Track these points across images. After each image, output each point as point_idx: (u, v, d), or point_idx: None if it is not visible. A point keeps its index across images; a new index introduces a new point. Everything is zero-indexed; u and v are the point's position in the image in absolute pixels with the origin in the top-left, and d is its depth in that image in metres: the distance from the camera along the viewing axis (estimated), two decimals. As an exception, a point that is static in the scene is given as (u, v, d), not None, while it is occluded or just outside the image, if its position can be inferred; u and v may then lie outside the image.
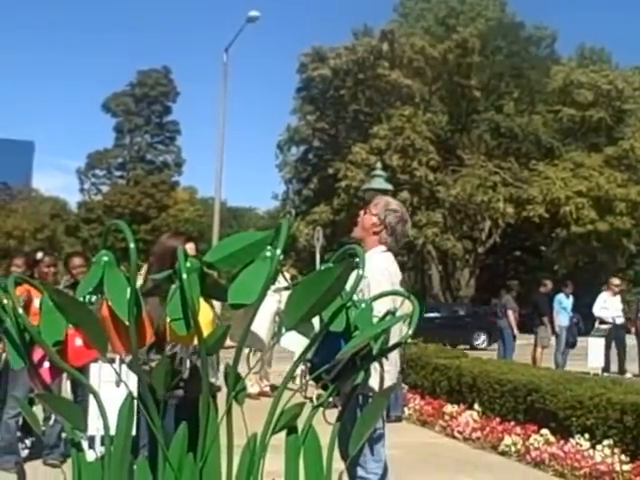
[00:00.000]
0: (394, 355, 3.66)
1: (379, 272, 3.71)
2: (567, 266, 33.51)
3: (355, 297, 2.72)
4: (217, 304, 3.45)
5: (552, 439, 6.65)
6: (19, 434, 6.54)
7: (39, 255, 5.90)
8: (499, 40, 33.53)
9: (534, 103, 33.05)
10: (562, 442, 6.52)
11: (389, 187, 15.24)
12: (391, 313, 2.77)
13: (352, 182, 29.88)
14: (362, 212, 4.06)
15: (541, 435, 6.75)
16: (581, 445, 6.36)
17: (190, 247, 3.50)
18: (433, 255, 33.32)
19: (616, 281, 14.44)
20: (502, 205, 29.96)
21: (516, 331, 14.43)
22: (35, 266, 5.79)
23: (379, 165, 16.88)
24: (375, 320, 2.66)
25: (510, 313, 14.43)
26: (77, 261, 6.46)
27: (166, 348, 3.17)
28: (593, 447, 6.29)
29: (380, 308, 2.80)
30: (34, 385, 2.38)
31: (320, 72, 33.19)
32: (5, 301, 2.28)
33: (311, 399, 2.57)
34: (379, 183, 14.74)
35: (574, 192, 29.60)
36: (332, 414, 2.66)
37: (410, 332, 2.73)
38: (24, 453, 6.18)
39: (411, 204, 30.91)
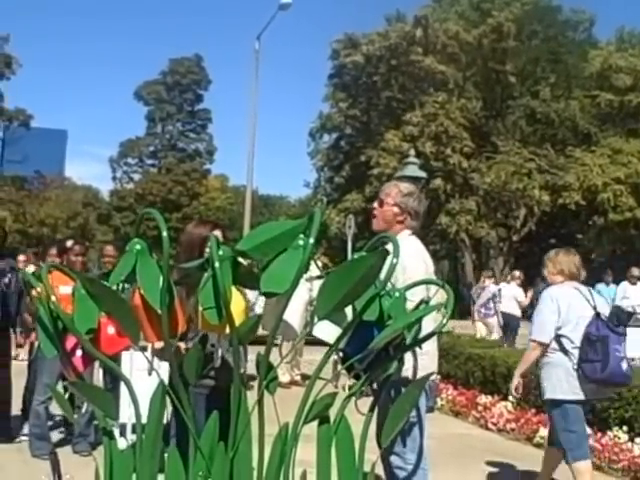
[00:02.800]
0: (431, 345, 3.62)
1: (413, 256, 3.67)
2: (604, 254, 33.01)
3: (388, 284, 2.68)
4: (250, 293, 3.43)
5: (589, 431, 6.55)
6: (57, 419, 6.64)
7: (69, 243, 5.95)
8: (535, 24, 32.97)
9: (571, 88, 32.48)
10: (600, 435, 6.42)
11: (422, 174, 15.10)
12: (425, 302, 2.72)
13: (384, 169, 29.69)
14: (376, 204, 3.97)
15: (577, 427, 6.64)
16: (619, 438, 6.26)
17: (217, 235, 3.47)
18: (467, 243, 33.06)
19: (635, 271, 14.21)
20: (537, 192, 29.55)
21: None
22: (65, 254, 5.84)
23: (412, 152, 16.76)
24: (409, 307, 2.62)
25: None
26: (109, 250, 6.52)
27: (188, 336, 3.16)
28: (632, 440, 6.18)
29: (414, 295, 2.76)
30: (67, 373, 2.39)
31: (353, 59, 32.98)
32: (39, 289, 2.29)
33: (343, 387, 2.55)
34: (412, 170, 14.61)
35: (612, 179, 29.06)
36: (364, 404, 2.63)
37: (445, 322, 2.69)
38: (58, 437, 6.27)
39: (444, 191, 30.70)
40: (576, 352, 4.68)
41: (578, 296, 4.82)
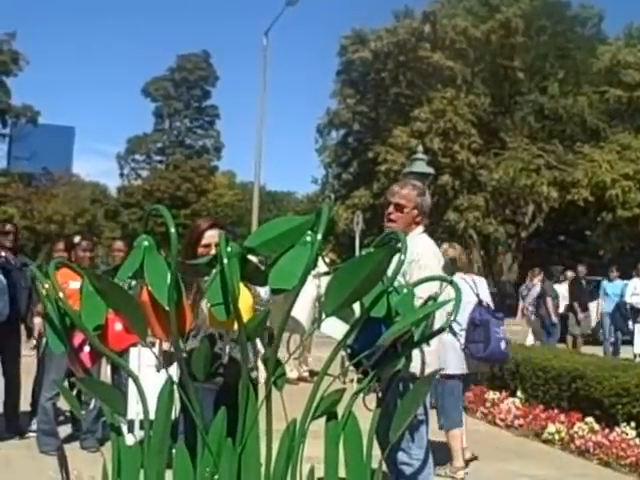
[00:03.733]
0: (435, 341, 3.61)
1: (429, 254, 3.66)
2: (612, 251, 32.87)
3: (402, 281, 2.67)
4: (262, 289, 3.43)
5: (597, 427, 6.54)
6: (65, 415, 6.66)
7: (77, 239, 5.97)
8: (543, 20, 32.77)
9: (579, 84, 32.29)
10: (607, 430, 6.40)
11: (430, 171, 15.07)
12: (433, 298, 2.72)
13: (392, 166, 29.63)
14: (392, 209, 3.90)
15: (586, 423, 6.63)
16: (627, 434, 6.24)
17: (211, 235, 3.40)
18: (475, 239, 32.96)
19: None
20: (546, 189, 29.41)
21: (554, 319, 14.11)
22: (72, 250, 5.86)
23: (420, 148, 16.70)
24: (420, 302, 2.61)
25: (548, 300, 14.10)
26: (119, 244, 6.52)
27: (191, 334, 3.16)
28: (639, 436, 6.16)
29: (428, 290, 2.75)
30: (74, 369, 2.39)
31: (360, 55, 32.91)
32: (46, 286, 2.29)
33: (352, 380, 2.54)
34: (420, 167, 14.58)
35: (620, 175, 28.92)
36: (372, 400, 2.63)
37: (452, 318, 2.68)
38: (66, 433, 6.29)
39: (452, 188, 30.59)
40: (463, 334, 5.52)
41: (464, 284, 5.51)
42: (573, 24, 34.10)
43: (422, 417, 3.65)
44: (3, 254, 6.18)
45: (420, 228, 3.89)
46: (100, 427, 5.82)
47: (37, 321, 6.27)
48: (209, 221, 3.54)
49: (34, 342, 6.55)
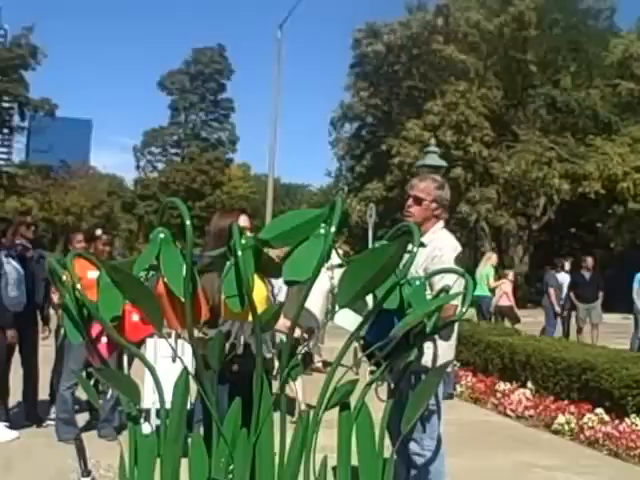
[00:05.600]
0: (453, 335, 3.63)
1: (452, 250, 3.68)
2: (623, 243, 32.67)
3: (422, 273, 2.69)
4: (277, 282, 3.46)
5: (607, 418, 6.54)
6: (83, 404, 6.73)
7: (98, 232, 6.02)
8: (556, 13, 32.49)
9: (592, 77, 32.06)
10: (617, 421, 6.40)
11: (443, 163, 15.03)
12: (445, 290, 2.74)
13: (405, 158, 29.60)
14: (411, 201, 3.91)
15: (595, 414, 6.64)
16: (636, 425, 6.24)
17: (244, 219, 3.56)
18: (486, 232, 32.86)
19: None
20: (557, 181, 29.27)
21: (557, 309, 14.06)
22: (92, 242, 5.92)
23: (433, 141, 16.64)
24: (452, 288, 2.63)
25: (551, 291, 14.07)
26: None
27: (219, 323, 3.20)
28: (649, 428, 6.16)
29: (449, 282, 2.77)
30: (92, 360, 2.43)
31: (374, 48, 32.84)
32: (64, 277, 2.33)
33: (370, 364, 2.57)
34: (433, 159, 14.54)
35: (632, 168, 28.72)
36: (384, 391, 2.66)
37: (464, 309, 2.71)
38: (84, 422, 6.37)
39: (465, 180, 30.50)
40: None
41: None
42: (586, 17, 33.79)
43: (434, 408, 3.67)
44: (18, 242, 6.23)
45: (441, 223, 3.90)
46: (117, 416, 5.89)
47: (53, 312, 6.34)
48: (237, 209, 3.65)
49: (47, 333, 6.62)
